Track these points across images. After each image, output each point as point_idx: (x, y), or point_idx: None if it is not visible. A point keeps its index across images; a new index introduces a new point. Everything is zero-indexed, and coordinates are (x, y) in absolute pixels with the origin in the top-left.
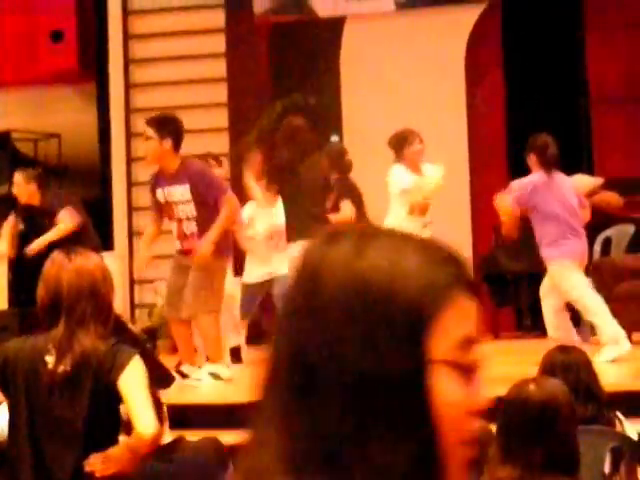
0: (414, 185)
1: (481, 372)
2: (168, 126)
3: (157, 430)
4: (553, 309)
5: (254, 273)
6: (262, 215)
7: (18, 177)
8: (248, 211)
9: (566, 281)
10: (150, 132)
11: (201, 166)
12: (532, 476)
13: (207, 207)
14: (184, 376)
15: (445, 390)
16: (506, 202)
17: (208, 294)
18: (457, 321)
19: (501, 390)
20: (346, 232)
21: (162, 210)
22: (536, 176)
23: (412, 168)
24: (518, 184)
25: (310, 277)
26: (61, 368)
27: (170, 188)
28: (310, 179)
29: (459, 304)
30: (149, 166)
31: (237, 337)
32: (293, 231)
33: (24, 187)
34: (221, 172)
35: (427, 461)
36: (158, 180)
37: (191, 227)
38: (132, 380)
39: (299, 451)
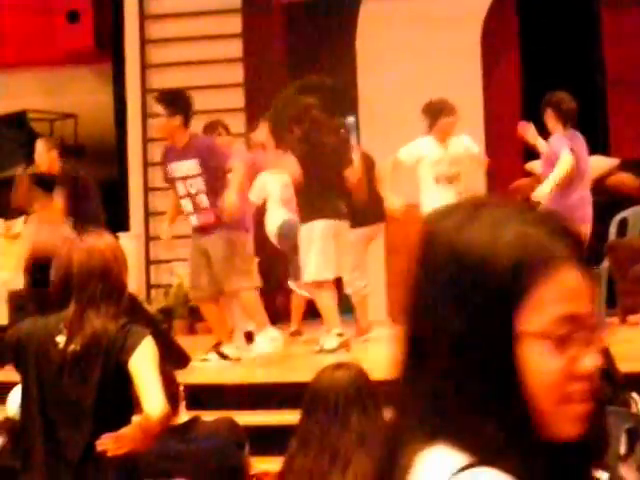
0: (439, 157)
1: (589, 342)
2: (177, 102)
3: (165, 411)
4: None
5: (273, 221)
6: (274, 180)
7: (40, 144)
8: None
9: None
10: (159, 109)
11: (209, 141)
12: None
13: (217, 180)
14: (225, 357)
15: (537, 361)
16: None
17: (242, 266)
18: (557, 297)
19: None
20: (464, 203)
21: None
22: (559, 134)
23: (440, 140)
24: (557, 144)
25: (424, 244)
26: (71, 348)
27: (178, 163)
28: (324, 160)
29: (562, 280)
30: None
31: (247, 322)
32: (303, 212)
33: (45, 155)
34: (229, 140)
35: (520, 424)
36: (168, 156)
37: (204, 200)
38: (142, 361)
39: (416, 414)
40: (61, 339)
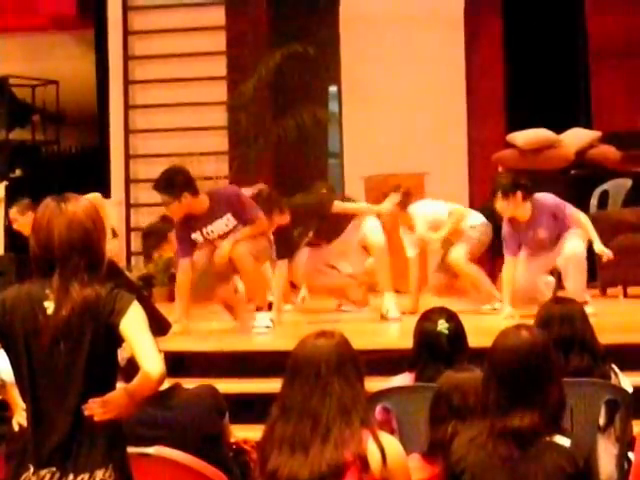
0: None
1: None
2: (176, 184)
3: (164, 370)
4: None
5: None
6: None
7: (13, 212)
8: None
9: None
10: (165, 198)
11: (230, 189)
12: (533, 426)
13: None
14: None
15: None
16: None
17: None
18: None
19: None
20: None
21: (195, 247)
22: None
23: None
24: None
25: None
26: (61, 313)
27: (210, 227)
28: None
29: None
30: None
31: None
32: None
33: (21, 219)
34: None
35: None
36: (190, 225)
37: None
38: (134, 322)
39: None
40: (49, 305)
